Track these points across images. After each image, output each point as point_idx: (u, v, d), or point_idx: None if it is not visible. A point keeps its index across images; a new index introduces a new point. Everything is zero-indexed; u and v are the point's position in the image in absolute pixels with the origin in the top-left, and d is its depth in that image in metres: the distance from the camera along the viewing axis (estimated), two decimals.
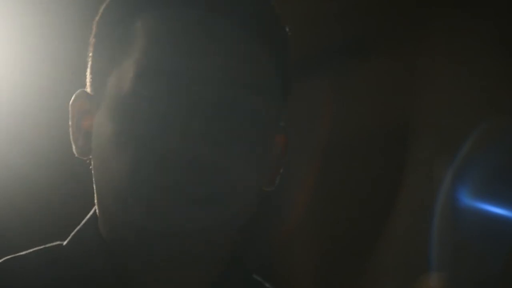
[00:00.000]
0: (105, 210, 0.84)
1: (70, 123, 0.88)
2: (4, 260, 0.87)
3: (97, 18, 0.90)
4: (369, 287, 2.48)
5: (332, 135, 2.53)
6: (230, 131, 0.80)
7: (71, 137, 0.88)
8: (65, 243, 0.88)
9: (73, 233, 0.89)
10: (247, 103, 0.81)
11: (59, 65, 2.18)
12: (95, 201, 0.87)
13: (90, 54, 0.88)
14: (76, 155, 0.88)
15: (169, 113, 0.79)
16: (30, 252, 0.88)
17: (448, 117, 2.37)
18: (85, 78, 0.88)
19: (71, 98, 0.88)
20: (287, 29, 0.88)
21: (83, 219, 0.90)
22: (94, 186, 0.86)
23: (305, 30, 2.56)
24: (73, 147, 0.87)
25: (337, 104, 2.52)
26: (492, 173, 2.19)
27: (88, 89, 0.87)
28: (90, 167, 0.88)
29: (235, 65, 0.81)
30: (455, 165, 2.24)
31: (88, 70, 0.88)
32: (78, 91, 0.88)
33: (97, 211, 0.87)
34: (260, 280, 0.91)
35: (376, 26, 2.47)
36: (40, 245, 0.90)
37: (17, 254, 0.88)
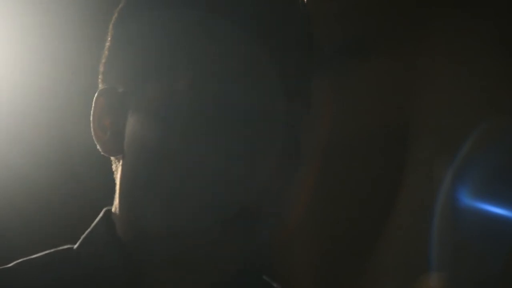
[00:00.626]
0: (136, 211, 0.83)
1: (92, 119, 0.87)
2: (16, 263, 0.87)
3: (116, 13, 0.89)
4: (369, 287, 2.48)
5: (332, 135, 2.53)
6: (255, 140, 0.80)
7: (93, 134, 0.87)
8: (75, 246, 0.88)
9: (84, 236, 0.89)
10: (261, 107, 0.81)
11: (59, 65, 2.18)
12: (118, 202, 0.86)
13: (110, 51, 0.87)
14: (102, 153, 0.87)
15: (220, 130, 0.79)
16: (42, 255, 0.88)
17: (448, 117, 2.37)
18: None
19: (80, 96, 0.88)
20: (307, 29, 0.88)
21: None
22: (122, 186, 0.85)
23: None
24: (99, 144, 0.87)
25: (337, 104, 2.52)
26: (492, 173, 2.19)
27: (109, 85, 0.86)
28: (113, 167, 0.88)
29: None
30: (455, 165, 2.23)
31: (113, 67, 0.86)
32: (102, 88, 0.87)
33: (118, 212, 0.86)
34: (270, 281, 0.92)
35: (376, 26, 2.47)
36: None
37: (29, 257, 0.88)
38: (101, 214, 0.90)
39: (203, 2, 0.82)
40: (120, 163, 0.86)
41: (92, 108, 0.87)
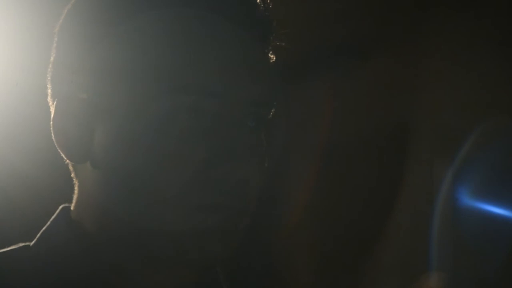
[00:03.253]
0: (115, 212, 0.81)
1: (52, 125, 0.83)
2: None
3: (84, 15, 0.86)
4: (369, 287, 2.48)
5: (332, 135, 2.53)
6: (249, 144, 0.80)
7: (55, 140, 0.84)
8: (32, 244, 0.86)
9: (41, 233, 0.87)
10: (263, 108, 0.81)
11: None
12: (90, 203, 0.84)
13: (64, 56, 0.84)
14: (66, 159, 0.85)
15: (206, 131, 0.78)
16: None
17: (448, 117, 2.37)
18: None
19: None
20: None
21: None
22: (94, 192, 0.83)
23: (305, 30, 2.56)
24: (61, 151, 0.84)
25: (337, 104, 2.52)
26: (492, 173, 2.19)
27: (67, 90, 0.83)
28: (72, 172, 0.86)
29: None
30: (455, 165, 2.24)
31: (71, 72, 0.83)
32: (62, 95, 0.84)
33: (88, 212, 0.84)
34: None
35: (376, 26, 2.47)
36: None
37: None
38: (58, 212, 0.87)
39: (178, 11, 0.80)
40: (88, 169, 0.83)
41: (52, 114, 0.84)
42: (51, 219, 0.88)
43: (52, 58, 0.87)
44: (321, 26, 2.45)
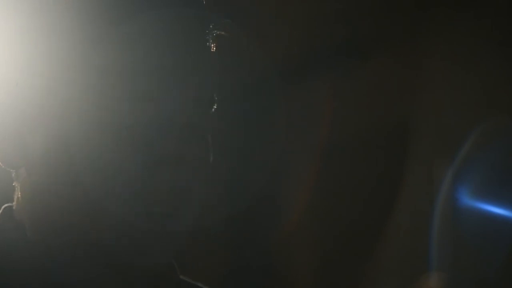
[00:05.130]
0: (52, 218, 0.81)
1: None
2: None
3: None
4: (369, 287, 2.48)
5: (332, 135, 2.53)
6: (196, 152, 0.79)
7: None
8: None
9: None
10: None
11: (59, 65, 2.17)
12: (25, 207, 0.84)
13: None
14: (4, 167, 0.85)
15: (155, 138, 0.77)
16: None
17: (448, 117, 2.37)
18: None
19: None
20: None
21: None
22: (30, 194, 0.83)
23: (305, 30, 2.56)
24: (0, 158, 0.84)
25: (337, 104, 2.52)
26: (492, 173, 2.19)
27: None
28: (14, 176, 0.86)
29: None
30: (455, 165, 2.24)
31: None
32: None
33: (25, 215, 0.84)
34: (188, 280, 0.89)
35: (376, 26, 2.47)
36: None
37: None
38: (1, 212, 0.87)
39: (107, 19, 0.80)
40: (23, 175, 0.84)
41: None
42: None
43: None
44: (321, 26, 2.45)
